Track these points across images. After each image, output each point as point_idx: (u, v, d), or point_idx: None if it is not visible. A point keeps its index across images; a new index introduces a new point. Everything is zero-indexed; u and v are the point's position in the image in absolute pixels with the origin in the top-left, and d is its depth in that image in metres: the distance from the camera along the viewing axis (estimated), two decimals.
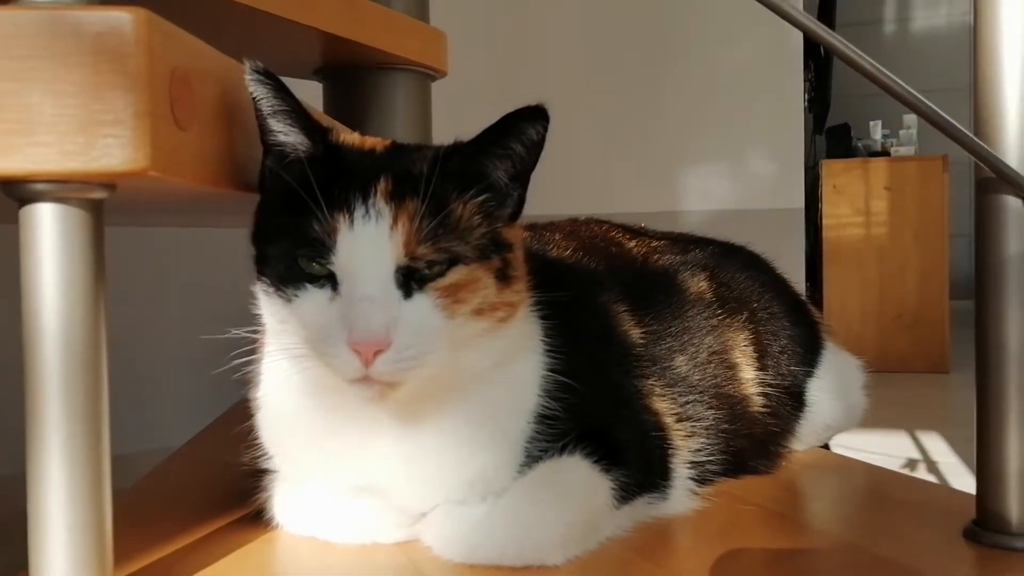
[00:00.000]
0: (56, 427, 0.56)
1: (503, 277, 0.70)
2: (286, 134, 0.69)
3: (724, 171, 3.36)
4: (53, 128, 0.52)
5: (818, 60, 4.86)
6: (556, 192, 3.12)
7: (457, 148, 0.70)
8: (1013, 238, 0.70)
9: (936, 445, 3.23)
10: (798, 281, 3.65)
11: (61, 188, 0.55)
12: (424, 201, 0.65)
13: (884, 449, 3.08)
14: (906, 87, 0.64)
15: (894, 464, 2.95)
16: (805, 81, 4.36)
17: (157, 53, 0.54)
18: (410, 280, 0.66)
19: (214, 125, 0.64)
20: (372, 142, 0.74)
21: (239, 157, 0.68)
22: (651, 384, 0.83)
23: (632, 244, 1.00)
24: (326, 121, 0.79)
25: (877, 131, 4.46)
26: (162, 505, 0.89)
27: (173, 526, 0.77)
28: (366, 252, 0.65)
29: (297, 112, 0.68)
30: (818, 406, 0.98)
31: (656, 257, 0.98)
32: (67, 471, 0.56)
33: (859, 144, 4.57)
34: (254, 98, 0.68)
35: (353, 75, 1.62)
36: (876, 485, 0.94)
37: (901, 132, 4.38)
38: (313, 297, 0.66)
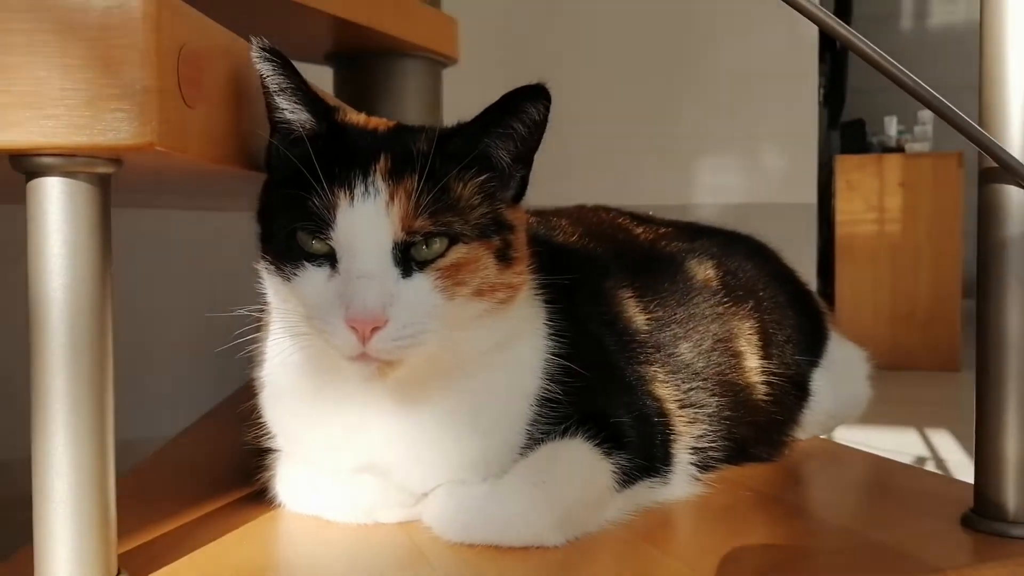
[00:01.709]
0: (61, 397, 0.57)
1: (504, 258, 0.70)
2: (292, 112, 0.69)
3: (737, 165, 3.35)
4: (61, 102, 0.53)
5: (834, 54, 4.84)
6: (568, 183, 3.12)
7: (458, 128, 0.70)
8: (1015, 228, 0.70)
9: (945, 443, 3.22)
10: (810, 277, 3.65)
11: (68, 162, 0.56)
12: (421, 178, 0.66)
13: (894, 446, 3.08)
14: (910, 75, 0.64)
15: (903, 460, 2.95)
16: (820, 75, 4.34)
17: (165, 29, 0.55)
18: (409, 260, 0.66)
19: (222, 103, 0.64)
20: (376, 122, 0.75)
21: (246, 135, 0.69)
22: (655, 371, 0.83)
23: (639, 231, 1.00)
24: (332, 100, 0.80)
25: (892, 127, 4.43)
26: (166, 484, 0.90)
27: (177, 505, 0.78)
28: (364, 229, 0.65)
29: (303, 90, 0.69)
30: (821, 395, 0.98)
31: (663, 244, 0.98)
32: (71, 442, 0.57)
33: (873, 140, 4.55)
34: (261, 76, 0.68)
35: (363, 61, 1.63)
36: (876, 474, 0.94)
37: (916, 128, 4.35)
38: (312, 275, 0.67)
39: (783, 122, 3.31)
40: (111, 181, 0.59)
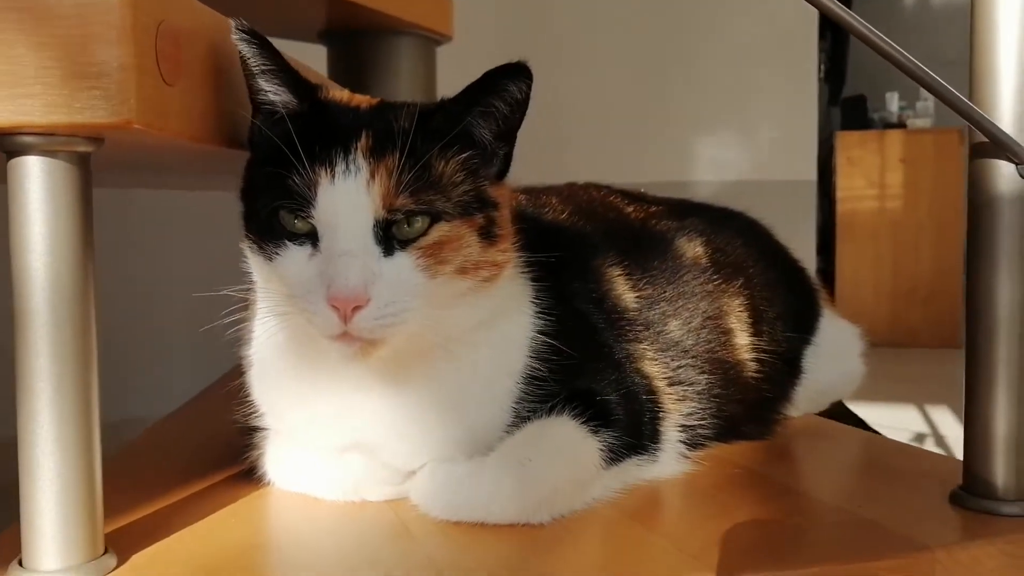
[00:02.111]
0: (45, 376, 0.57)
1: (488, 235, 0.70)
2: (274, 93, 0.69)
3: (736, 141, 3.34)
4: (38, 80, 0.53)
5: (835, 29, 4.81)
6: (566, 159, 3.12)
7: (439, 105, 0.70)
8: (1004, 204, 0.69)
9: (945, 419, 3.22)
10: (809, 254, 3.64)
11: (48, 141, 0.56)
12: (403, 155, 0.65)
13: (893, 423, 3.08)
14: (892, 44, 0.64)
15: (902, 437, 2.95)
16: (821, 51, 4.31)
17: (142, 6, 0.54)
18: (391, 238, 0.66)
19: (202, 80, 0.64)
20: (359, 99, 0.74)
21: (227, 113, 0.69)
22: (643, 348, 0.83)
23: (630, 209, 0.99)
24: (316, 78, 0.79)
25: (894, 103, 4.41)
26: (155, 464, 0.90)
27: (165, 484, 0.78)
28: (345, 207, 0.65)
29: (284, 70, 0.69)
30: (813, 372, 0.98)
31: (653, 222, 0.97)
32: (56, 422, 0.57)
33: (875, 116, 4.52)
34: (242, 57, 0.68)
35: (357, 39, 1.62)
36: (866, 451, 0.94)
37: (918, 104, 4.34)
38: (293, 255, 0.67)
39: (783, 98, 3.30)
40: (91, 160, 0.59)
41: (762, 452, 0.88)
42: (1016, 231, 0.69)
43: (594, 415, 0.74)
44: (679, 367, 0.85)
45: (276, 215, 0.67)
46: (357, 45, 1.67)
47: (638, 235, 0.95)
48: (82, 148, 0.57)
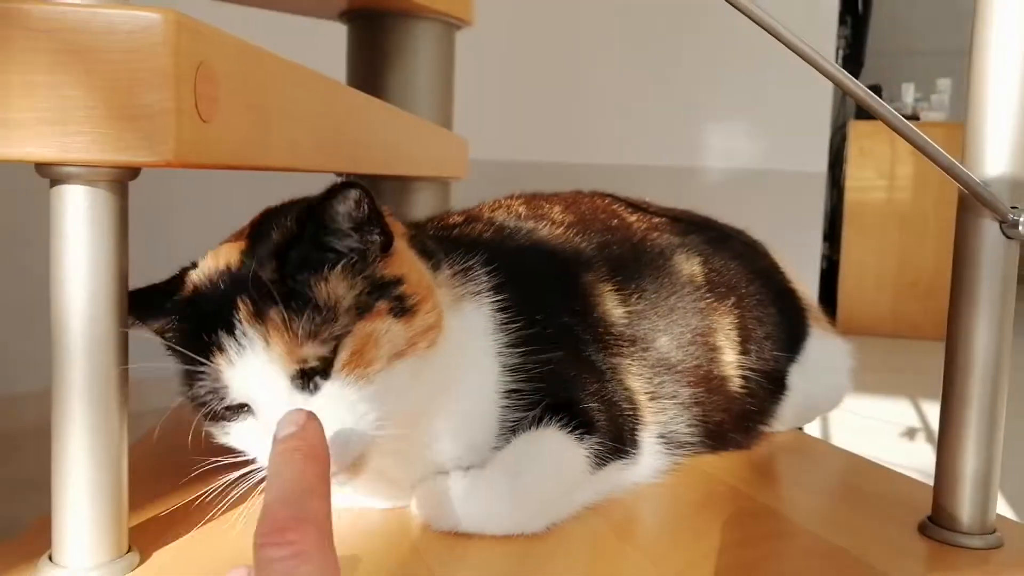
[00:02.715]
0: (79, 395, 0.61)
1: (403, 311, 0.69)
2: (157, 320, 0.71)
3: (749, 129, 3.35)
4: (85, 119, 0.57)
5: (855, 17, 4.79)
6: (579, 142, 3.14)
7: (289, 242, 0.68)
8: (986, 256, 0.73)
9: (938, 414, 3.25)
10: (815, 244, 3.66)
11: (90, 172, 0.60)
12: (284, 305, 0.65)
13: (886, 416, 3.13)
14: (879, 100, 0.67)
15: (894, 431, 3.00)
16: (839, 38, 4.30)
17: (184, 52, 0.58)
18: (308, 376, 0.66)
19: (234, 113, 0.67)
20: (224, 256, 0.71)
21: (257, 141, 0.72)
22: (627, 363, 0.87)
23: (632, 219, 1.03)
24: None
25: (909, 94, 4.41)
26: (168, 456, 0.93)
27: (181, 478, 0.81)
28: (255, 380, 0.65)
29: (145, 307, 0.70)
30: (798, 389, 1.02)
31: (655, 235, 1.01)
32: (90, 428, 0.62)
33: (889, 106, 4.51)
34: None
35: (378, 20, 1.65)
36: (845, 473, 0.98)
37: (932, 97, 4.33)
38: (239, 429, 0.69)
39: (798, 87, 3.30)
40: (128, 188, 0.63)
41: (746, 469, 0.93)
42: (996, 284, 0.73)
43: (578, 424, 0.78)
44: (662, 383, 0.89)
45: (208, 407, 0.69)
46: (378, 27, 1.69)
47: (636, 249, 0.98)
48: (122, 178, 0.61)
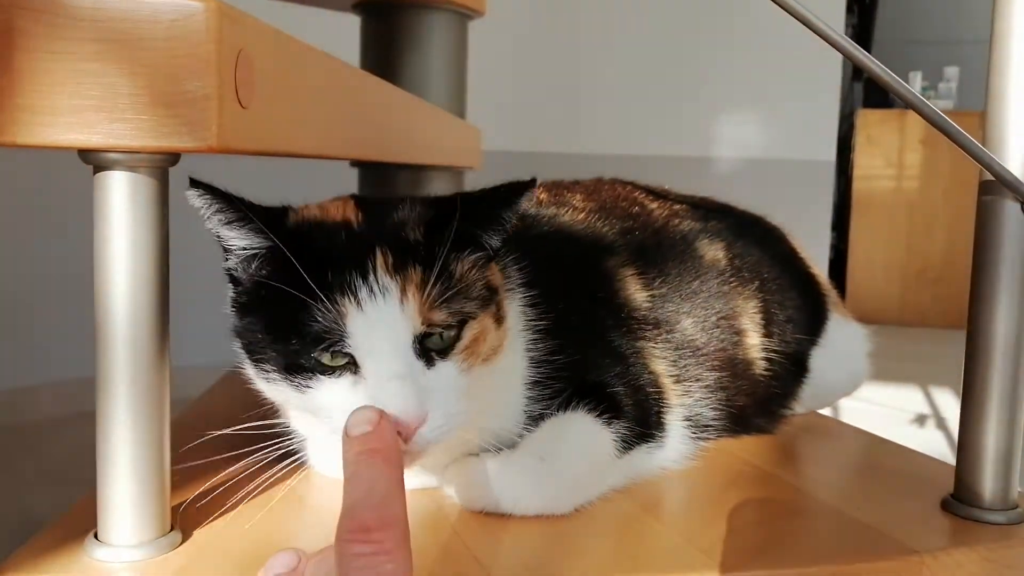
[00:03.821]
0: (123, 376, 0.63)
1: (499, 320, 0.74)
2: (247, 239, 0.69)
3: (757, 118, 3.36)
4: (129, 106, 0.58)
5: (862, 5, 4.79)
6: (590, 131, 3.15)
7: (451, 212, 0.69)
8: (1007, 239, 0.74)
9: (948, 401, 3.28)
10: (823, 233, 3.67)
11: (133, 158, 0.61)
12: (428, 268, 0.66)
13: (897, 403, 3.14)
14: (896, 78, 0.68)
15: (905, 418, 3.01)
16: (847, 26, 4.30)
17: (225, 40, 0.59)
18: (428, 350, 0.67)
19: (271, 99, 0.69)
20: (336, 210, 0.72)
21: (291, 127, 0.74)
22: (651, 346, 0.89)
23: (653, 206, 1.04)
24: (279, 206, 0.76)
25: (916, 83, 4.41)
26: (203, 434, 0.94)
27: (218, 456, 0.83)
28: (382, 330, 0.65)
29: (251, 215, 0.68)
30: (818, 372, 1.04)
31: (676, 222, 1.02)
32: (133, 411, 0.63)
33: None
34: (202, 215, 0.68)
35: (391, 11, 1.66)
36: (867, 452, 1.00)
37: (940, 85, 4.34)
38: (331, 387, 0.66)
39: (806, 77, 3.31)
40: (168, 174, 0.64)
41: (772, 450, 0.94)
42: (1018, 264, 0.75)
43: (606, 408, 0.80)
44: (686, 365, 0.90)
45: (306, 354, 0.66)
46: (391, 18, 1.70)
47: (658, 234, 0.99)
48: (162, 164, 0.63)
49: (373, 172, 1.64)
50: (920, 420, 3.01)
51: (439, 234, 0.68)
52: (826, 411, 1.13)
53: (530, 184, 0.71)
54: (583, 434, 0.79)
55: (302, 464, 0.81)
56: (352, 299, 0.64)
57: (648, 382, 0.86)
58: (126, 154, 0.61)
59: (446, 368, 0.68)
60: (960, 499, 0.79)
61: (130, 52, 0.58)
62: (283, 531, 0.71)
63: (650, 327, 0.89)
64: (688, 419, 0.89)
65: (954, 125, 0.70)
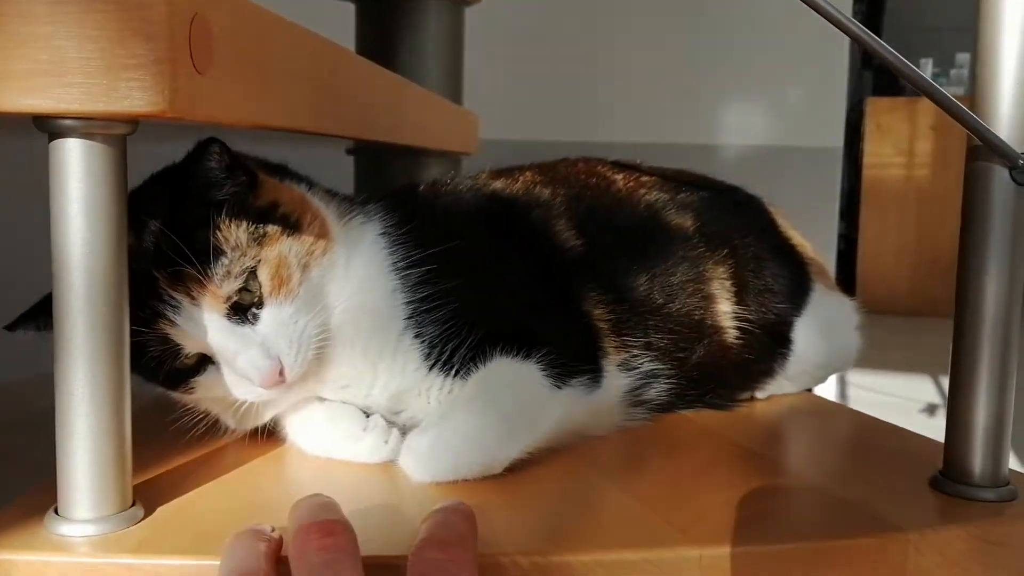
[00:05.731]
0: (81, 347, 0.61)
1: (292, 228, 0.77)
2: None
3: (763, 105, 3.33)
4: (80, 70, 0.56)
5: None
6: (593, 119, 3.12)
7: (172, 210, 0.73)
8: (996, 205, 0.72)
9: None
10: (831, 220, 3.63)
11: (87, 124, 0.60)
12: (196, 263, 0.71)
13: (907, 392, 3.11)
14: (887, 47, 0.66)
15: (915, 408, 2.98)
16: (856, 13, 4.26)
17: (177, 2, 0.57)
18: (244, 309, 0.73)
19: (231, 67, 0.67)
20: None
21: (255, 97, 0.72)
22: (585, 292, 0.88)
23: (618, 178, 1.03)
24: None
25: (927, 70, 4.37)
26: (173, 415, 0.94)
27: (185, 435, 0.82)
28: (200, 329, 0.72)
29: None
30: (802, 345, 1.02)
31: (643, 192, 1.01)
32: (91, 384, 0.62)
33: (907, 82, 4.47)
34: None
35: None
36: (856, 430, 0.97)
37: (951, 72, 4.29)
38: (206, 380, 0.75)
39: (814, 62, 3.27)
40: (127, 141, 0.63)
41: (755, 427, 0.92)
42: (1007, 234, 0.72)
43: (522, 343, 0.79)
44: (631, 319, 0.89)
45: (167, 372, 0.74)
46: (385, 4, 1.69)
47: (614, 197, 0.99)
48: (119, 131, 0.61)
49: (368, 159, 1.63)
50: (931, 410, 2.98)
51: (180, 224, 0.72)
52: (833, 398, 1.11)
53: (207, 141, 0.73)
54: (503, 374, 0.78)
55: (268, 439, 0.83)
56: (165, 321, 0.71)
57: (575, 318, 0.85)
58: (80, 120, 0.59)
59: (268, 313, 0.74)
60: (949, 476, 0.77)
61: (80, 14, 0.56)
62: (245, 507, 0.70)
63: (584, 269, 0.89)
64: (628, 370, 0.88)
65: (963, 107, 0.68)
